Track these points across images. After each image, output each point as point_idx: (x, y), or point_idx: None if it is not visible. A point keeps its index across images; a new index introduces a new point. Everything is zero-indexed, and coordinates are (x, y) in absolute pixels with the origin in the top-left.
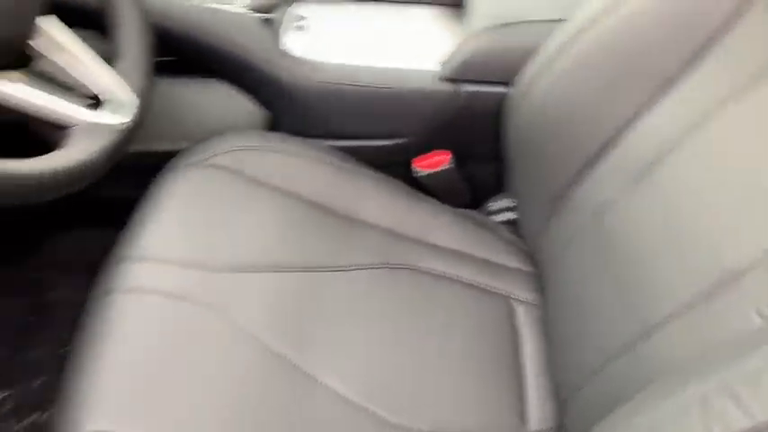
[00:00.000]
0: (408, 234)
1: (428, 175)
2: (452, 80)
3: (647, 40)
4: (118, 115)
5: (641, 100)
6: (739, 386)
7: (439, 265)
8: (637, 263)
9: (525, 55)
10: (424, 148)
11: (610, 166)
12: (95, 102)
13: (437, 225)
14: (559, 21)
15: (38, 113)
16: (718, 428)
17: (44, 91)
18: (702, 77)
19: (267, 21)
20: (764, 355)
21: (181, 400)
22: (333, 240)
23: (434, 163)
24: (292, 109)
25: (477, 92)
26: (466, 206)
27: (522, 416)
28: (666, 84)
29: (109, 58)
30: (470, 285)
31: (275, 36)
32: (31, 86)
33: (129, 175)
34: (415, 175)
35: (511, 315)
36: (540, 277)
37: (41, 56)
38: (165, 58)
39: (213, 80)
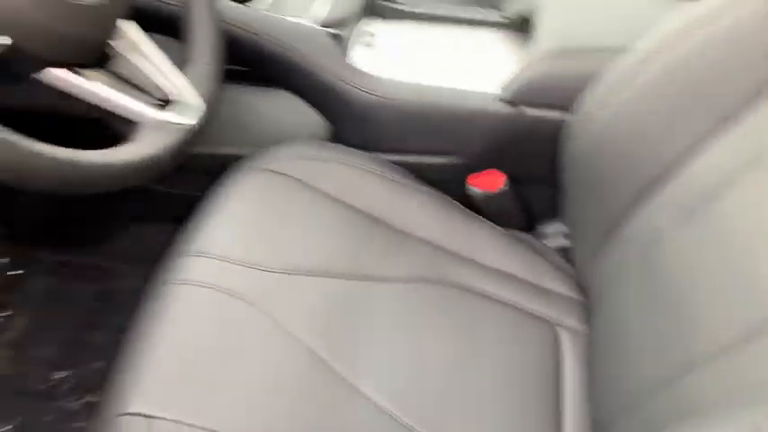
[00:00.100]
0: (458, 252)
1: (483, 195)
2: (513, 103)
3: (712, 72)
4: (184, 117)
5: (702, 132)
6: None
7: (487, 285)
8: (684, 297)
9: (586, 82)
10: (480, 167)
11: (665, 197)
12: (165, 103)
13: (488, 245)
14: (622, 49)
15: (112, 109)
16: None
17: (119, 89)
18: (766, 112)
19: (336, 36)
20: None
21: (221, 394)
22: (383, 252)
23: (490, 184)
24: (354, 122)
25: (537, 116)
26: (519, 228)
27: None
28: (729, 117)
29: (181, 63)
30: (517, 308)
31: (343, 51)
32: (108, 84)
33: (196, 175)
34: (469, 193)
35: (555, 342)
36: (587, 306)
37: (119, 56)
38: (236, 67)
39: (280, 90)
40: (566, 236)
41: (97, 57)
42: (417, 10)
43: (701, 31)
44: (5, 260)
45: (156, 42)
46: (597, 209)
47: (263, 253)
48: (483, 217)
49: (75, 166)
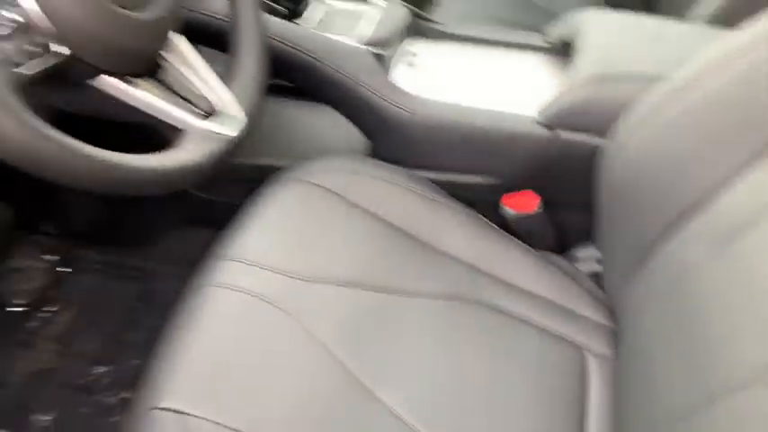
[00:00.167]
0: (489, 271)
1: (517, 216)
2: (549, 126)
3: (752, 104)
4: (226, 127)
5: (739, 163)
6: None
7: (515, 306)
8: (707, 330)
9: (623, 108)
10: (515, 188)
11: (698, 226)
12: (209, 113)
13: (519, 266)
14: (661, 77)
15: (159, 117)
16: None
17: (167, 98)
18: None
19: (378, 55)
20: None
21: (248, 396)
22: (414, 266)
23: (524, 205)
24: (392, 139)
25: (573, 140)
26: (552, 251)
27: None
28: (764, 151)
29: (227, 75)
30: (545, 330)
31: (385, 69)
32: (157, 93)
33: (238, 184)
34: (503, 213)
35: (583, 366)
36: (616, 332)
37: (169, 67)
38: (280, 82)
39: (322, 105)
40: (598, 261)
41: (149, 67)
42: (460, 31)
43: (743, 60)
44: (56, 258)
45: (205, 55)
46: (629, 236)
47: (297, 261)
48: (516, 238)
49: (122, 169)
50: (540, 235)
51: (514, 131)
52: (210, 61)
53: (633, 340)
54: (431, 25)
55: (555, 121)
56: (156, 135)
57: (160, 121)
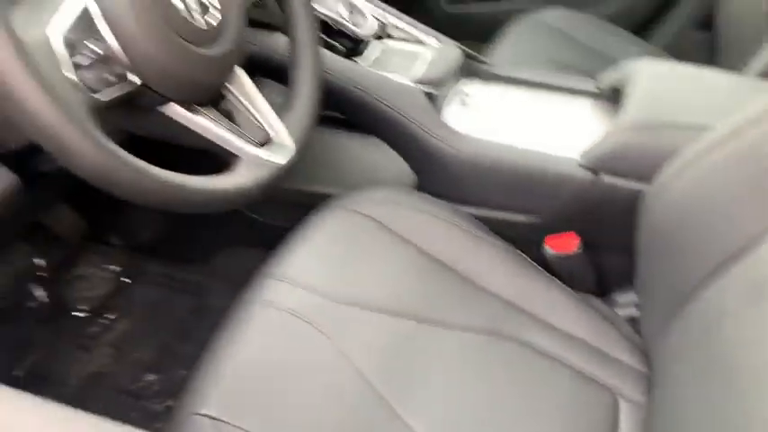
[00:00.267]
0: (525, 308)
1: (557, 256)
2: (592, 170)
3: None
4: (276, 156)
5: None
6: None
7: (551, 345)
8: (746, 381)
9: (666, 155)
10: (556, 228)
11: (737, 274)
12: (263, 142)
13: (556, 305)
14: (706, 126)
15: (217, 143)
16: None
17: (225, 126)
18: None
19: (430, 94)
20: None
21: (282, 411)
22: (451, 299)
23: (565, 246)
24: (438, 174)
25: (615, 184)
26: (592, 293)
27: None
28: None
29: (283, 106)
30: (579, 372)
31: (437, 108)
32: (217, 121)
33: (291, 209)
34: (544, 253)
35: (614, 411)
36: (651, 379)
37: (230, 97)
38: (335, 114)
39: (373, 138)
40: (637, 306)
41: (212, 97)
42: (513, 74)
43: None
44: (119, 268)
45: (264, 84)
46: (667, 282)
47: (338, 285)
48: (557, 278)
49: (182, 189)
50: (580, 276)
51: (557, 173)
52: (271, 91)
53: (666, 388)
54: (485, 67)
55: (598, 164)
56: (214, 159)
57: (218, 146)
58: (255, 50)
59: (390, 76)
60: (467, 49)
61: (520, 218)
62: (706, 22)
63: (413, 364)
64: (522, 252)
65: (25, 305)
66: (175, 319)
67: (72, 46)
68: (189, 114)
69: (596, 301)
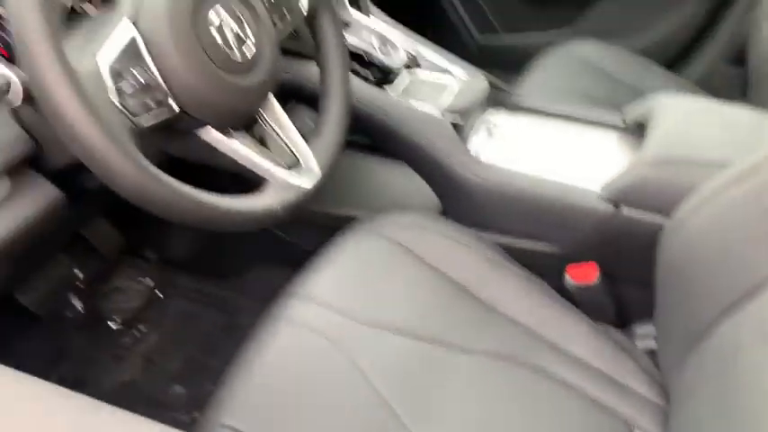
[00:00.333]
0: (544, 336)
1: (576, 286)
2: (612, 202)
3: None
4: (303, 180)
5: None
6: None
7: (568, 374)
8: (755, 416)
9: (686, 191)
10: (578, 258)
11: (752, 313)
12: (291, 166)
13: (575, 334)
14: (727, 164)
15: (248, 166)
16: None
17: (256, 150)
18: None
19: (456, 123)
20: None
21: (301, 423)
22: (470, 323)
23: (585, 276)
24: (462, 201)
25: (635, 217)
26: (611, 324)
27: None
28: None
29: (312, 131)
30: (594, 401)
31: (462, 137)
32: (249, 145)
33: (319, 230)
34: (564, 282)
35: None
36: (667, 412)
37: (262, 123)
38: (363, 139)
39: (399, 163)
40: (656, 338)
41: (246, 123)
42: (540, 106)
43: None
44: (152, 282)
45: (298, 111)
46: (684, 317)
47: (360, 306)
48: (578, 308)
49: (214, 208)
50: (600, 307)
51: (578, 204)
52: (304, 116)
53: (682, 422)
54: (512, 98)
55: (618, 196)
56: (245, 180)
57: (249, 169)
58: (290, 79)
59: (418, 105)
60: (494, 80)
61: (542, 247)
62: (739, 58)
63: (429, 386)
64: (544, 280)
65: (63, 314)
66: (204, 333)
67: (118, 74)
68: (224, 139)
69: (615, 333)
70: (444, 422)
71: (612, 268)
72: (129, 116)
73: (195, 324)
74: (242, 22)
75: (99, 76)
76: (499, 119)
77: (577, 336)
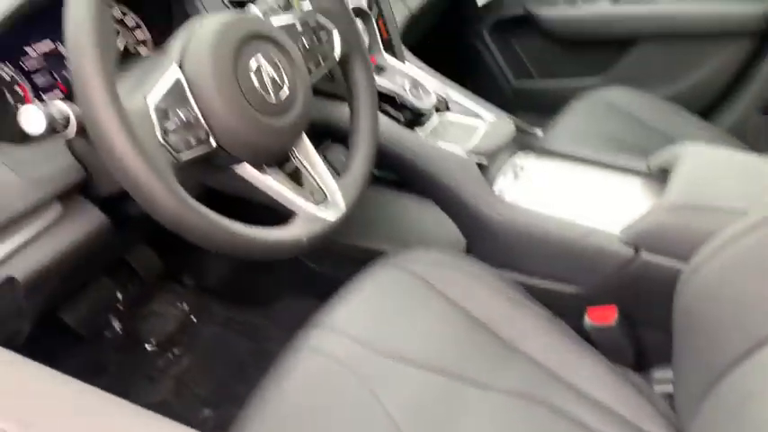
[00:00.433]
0: (561, 375)
1: (595, 327)
2: (632, 245)
3: None
4: (329, 213)
5: None
6: None
7: (584, 415)
8: None
9: (704, 238)
10: (599, 300)
11: (762, 361)
12: (319, 201)
13: (593, 376)
14: (746, 212)
15: (278, 200)
16: None
17: (287, 185)
18: None
19: (481, 164)
20: None
21: None
22: (488, 360)
23: (603, 317)
24: (486, 240)
25: (653, 262)
26: (630, 366)
27: None
28: None
29: (342, 167)
30: None
31: (489, 178)
32: (281, 181)
33: (346, 262)
34: (584, 323)
35: None
36: None
37: (294, 160)
38: (391, 176)
39: (426, 201)
40: (673, 383)
41: (279, 160)
42: (567, 150)
43: None
44: (187, 307)
45: (332, 148)
46: (698, 363)
47: (382, 338)
48: (597, 349)
49: (245, 238)
50: (619, 349)
51: (599, 247)
52: (338, 153)
53: None
54: (540, 142)
55: (638, 240)
56: (275, 211)
57: (279, 202)
58: (324, 118)
59: (445, 146)
60: (522, 124)
61: (563, 287)
62: None
63: (445, 419)
64: (565, 321)
65: (103, 334)
66: (234, 359)
67: (163, 112)
68: (258, 175)
69: (633, 375)
70: None
71: (632, 311)
72: (172, 151)
73: (226, 350)
74: (278, 67)
75: (146, 114)
76: (526, 162)
77: (595, 377)
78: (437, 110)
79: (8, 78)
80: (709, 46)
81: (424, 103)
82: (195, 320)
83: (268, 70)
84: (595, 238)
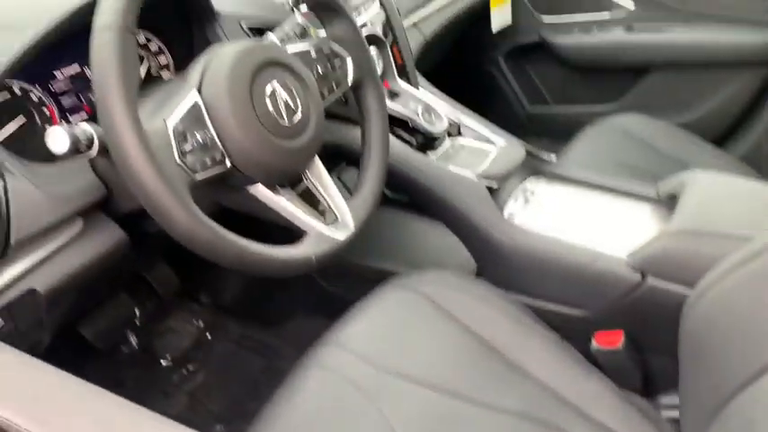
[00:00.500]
0: (568, 399)
1: (601, 351)
2: (638, 270)
3: None
4: (338, 233)
5: None
6: None
7: None
8: None
9: (710, 264)
10: (606, 325)
11: (764, 388)
12: (329, 221)
13: (600, 399)
14: (750, 239)
15: (291, 219)
16: None
17: (299, 205)
18: None
19: (490, 188)
20: None
21: None
22: (495, 381)
23: (610, 341)
24: (494, 262)
25: (660, 287)
26: (636, 391)
27: None
28: None
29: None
30: None
31: (499, 201)
32: (293, 201)
33: (358, 282)
34: (591, 346)
35: None
36: None
37: (306, 181)
38: (403, 198)
39: (437, 223)
40: (679, 408)
41: (292, 181)
42: (578, 175)
43: None
44: (202, 324)
45: (346, 170)
46: (704, 388)
47: (390, 357)
48: (603, 373)
49: (256, 255)
50: (626, 373)
51: (605, 271)
52: (351, 175)
53: None
54: (551, 167)
55: (644, 265)
56: (286, 231)
57: (291, 222)
58: (338, 141)
59: (456, 169)
60: (533, 149)
61: (571, 311)
62: None
63: None
64: (572, 344)
65: (120, 348)
66: (247, 376)
67: (181, 134)
68: (271, 195)
69: (640, 400)
70: None
71: (639, 335)
72: (188, 171)
73: (239, 367)
74: (292, 92)
75: (165, 136)
76: (537, 187)
77: (602, 401)
78: (449, 134)
79: (36, 100)
80: (723, 74)
81: (436, 127)
82: (210, 338)
83: (282, 95)
84: (603, 263)
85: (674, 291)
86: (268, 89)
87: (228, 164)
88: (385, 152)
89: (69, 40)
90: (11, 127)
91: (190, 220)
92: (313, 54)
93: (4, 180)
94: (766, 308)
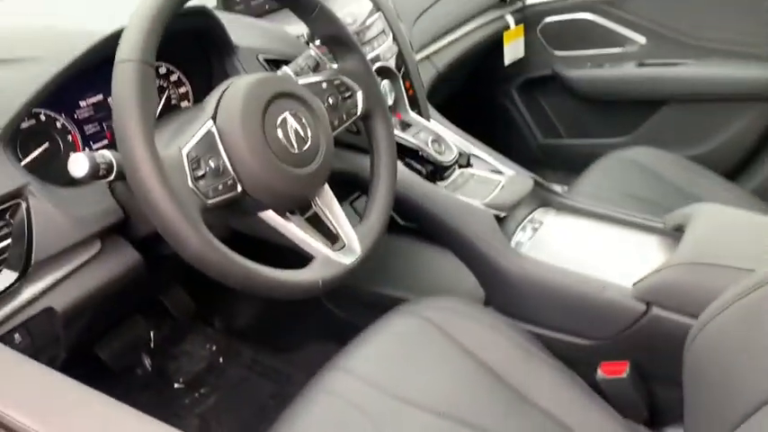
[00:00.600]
0: (571, 427)
1: (606, 379)
2: (643, 300)
3: None
4: (345, 258)
5: None
6: None
7: None
8: None
9: (714, 295)
10: (609, 353)
11: (762, 422)
12: (336, 246)
13: (601, 429)
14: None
15: (299, 245)
16: None
17: (307, 231)
18: None
19: (498, 217)
20: None
21: None
22: (499, 409)
23: (615, 370)
24: (502, 291)
25: (664, 317)
26: (642, 422)
27: None
28: None
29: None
30: None
31: (507, 231)
32: (302, 227)
33: (367, 308)
34: (596, 376)
35: None
36: None
37: (315, 207)
38: (412, 225)
39: (446, 250)
40: None
41: (301, 207)
42: (586, 207)
43: None
44: (215, 348)
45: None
46: (709, 418)
47: (396, 382)
48: (608, 403)
49: (263, 278)
50: (631, 403)
51: (610, 301)
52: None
53: None
54: (561, 198)
55: (648, 296)
56: (297, 255)
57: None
58: (348, 169)
59: (463, 198)
60: (541, 180)
61: (577, 340)
62: None
63: None
64: (578, 373)
65: (135, 370)
66: (257, 401)
67: (195, 160)
68: (281, 220)
69: (645, 431)
70: None
71: (644, 366)
72: (201, 196)
73: (250, 391)
74: (303, 122)
75: (180, 162)
76: (546, 217)
77: (603, 430)
78: (459, 165)
79: (61, 127)
80: (734, 108)
81: (446, 157)
82: (222, 362)
83: (293, 124)
84: (608, 294)
85: (679, 321)
86: (280, 119)
87: (240, 189)
88: (392, 181)
89: (94, 70)
90: (36, 152)
91: (200, 243)
92: (324, 86)
93: (28, 202)
94: (765, 339)
